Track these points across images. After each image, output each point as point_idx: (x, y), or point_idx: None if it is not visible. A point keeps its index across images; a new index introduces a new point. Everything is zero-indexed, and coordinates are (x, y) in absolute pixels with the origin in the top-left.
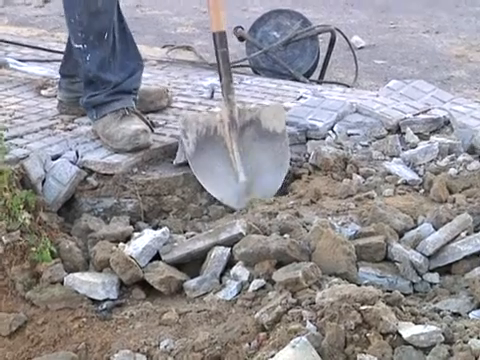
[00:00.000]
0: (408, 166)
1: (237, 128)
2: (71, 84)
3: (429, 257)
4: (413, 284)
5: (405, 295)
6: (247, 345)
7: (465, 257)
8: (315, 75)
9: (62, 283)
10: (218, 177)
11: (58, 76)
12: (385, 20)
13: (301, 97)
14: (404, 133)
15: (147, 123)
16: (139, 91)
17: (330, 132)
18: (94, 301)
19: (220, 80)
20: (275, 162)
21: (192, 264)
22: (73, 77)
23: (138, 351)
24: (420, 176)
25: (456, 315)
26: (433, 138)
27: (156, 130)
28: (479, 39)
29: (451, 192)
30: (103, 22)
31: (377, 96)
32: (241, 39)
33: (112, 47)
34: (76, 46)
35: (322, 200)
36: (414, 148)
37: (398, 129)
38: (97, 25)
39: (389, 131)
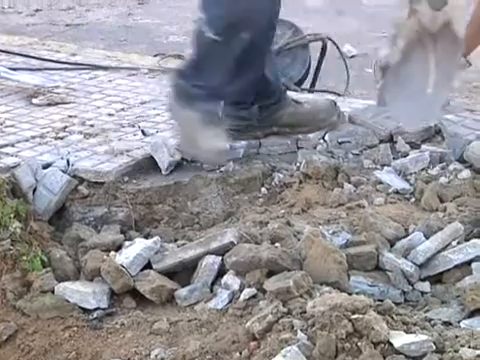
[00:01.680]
0: (399, 175)
1: (431, 33)
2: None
3: (420, 266)
4: (404, 293)
5: (396, 304)
6: (238, 354)
7: (456, 266)
8: (306, 84)
9: (53, 292)
10: (407, 92)
11: (49, 84)
12: (376, 29)
13: None
14: (395, 142)
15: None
16: (308, 110)
17: (321, 141)
18: (85, 310)
19: None
20: (450, 71)
21: (183, 273)
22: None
23: None
24: (411, 185)
25: (447, 324)
26: (424, 147)
27: (147, 139)
28: None
29: (442, 201)
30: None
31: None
32: None
33: None
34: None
35: (313, 209)
36: (405, 157)
37: (390, 138)
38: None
39: (381, 141)
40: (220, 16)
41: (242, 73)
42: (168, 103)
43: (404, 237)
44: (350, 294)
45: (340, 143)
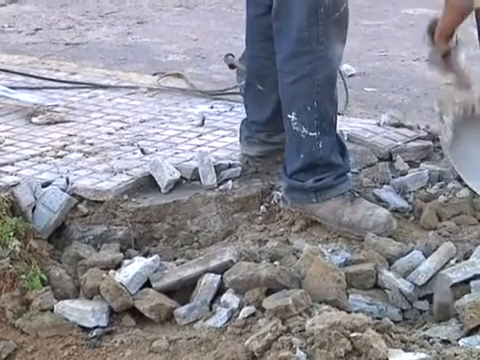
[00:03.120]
0: (398, 193)
1: None
2: (270, 137)
3: (420, 286)
4: (403, 311)
5: (395, 322)
6: None
7: (455, 284)
8: None
9: (52, 310)
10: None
11: (49, 103)
12: (376, 48)
13: None
14: (394, 160)
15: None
16: None
17: None
18: (84, 328)
19: None
20: None
21: (182, 291)
22: (270, 130)
23: None
24: (410, 203)
25: (446, 342)
26: (423, 165)
27: (146, 157)
28: (469, 67)
29: (441, 219)
30: (336, 106)
31: (378, 125)
32: (232, 66)
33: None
34: (310, 134)
35: (312, 227)
36: (404, 175)
37: (389, 157)
38: (332, 110)
39: (380, 159)
40: (314, 110)
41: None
42: (306, 209)
43: (403, 255)
44: (349, 312)
45: None
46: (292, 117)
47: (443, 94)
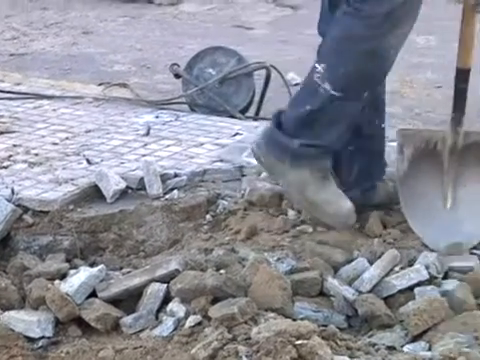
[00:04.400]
0: None
1: (458, 150)
2: None
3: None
4: (348, 318)
5: (340, 329)
6: None
7: (400, 291)
8: (251, 111)
9: None
10: (424, 205)
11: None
12: None
13: (237, 134)
14: None
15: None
16: None
17: None
18: (30, 339)
19: (453, 112)
20: None
21: (128, 301)
22: None
23: None
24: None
25: (391, 349)
26: None
27: (92, 167)
28: (412, 75)
29: (385, 227)
30: (374, 84)
31: None
32: (177, 76)
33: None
34: (332, 92)
35: (258, 236)
36: None
37: None
38: (367, 85)
39: None
40: (346, 74)
41: (350, 127)
42: (267, 164)
43: (348, 263)
44: (295, 320)
45: None
46: (319, 68)
47: (409, 128)
